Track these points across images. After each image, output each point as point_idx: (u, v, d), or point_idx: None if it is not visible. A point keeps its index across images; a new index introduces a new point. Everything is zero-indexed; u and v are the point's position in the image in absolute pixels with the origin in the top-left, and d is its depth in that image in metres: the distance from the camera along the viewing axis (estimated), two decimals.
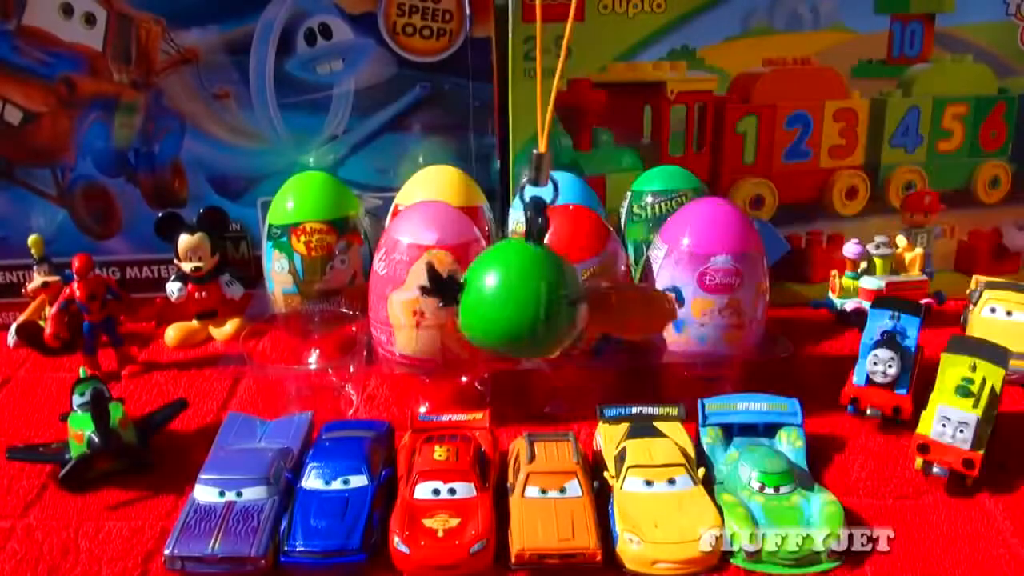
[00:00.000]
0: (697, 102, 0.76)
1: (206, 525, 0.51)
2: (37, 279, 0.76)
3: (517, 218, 0.72)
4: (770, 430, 0.59)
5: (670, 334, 0.63)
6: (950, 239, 0.82)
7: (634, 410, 0.60)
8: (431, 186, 0.72)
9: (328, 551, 0.50)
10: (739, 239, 0.62)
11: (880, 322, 0.64)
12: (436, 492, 0.53)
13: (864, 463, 0.59)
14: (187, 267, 0.75)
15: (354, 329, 0.67)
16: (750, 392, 0.61)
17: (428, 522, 0.51)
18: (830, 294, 0.79)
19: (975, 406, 0.54)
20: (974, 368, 0.57)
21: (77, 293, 0.70)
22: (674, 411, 0.60)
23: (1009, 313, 0.70)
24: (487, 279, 0.48)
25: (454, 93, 0.76)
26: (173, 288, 0.76)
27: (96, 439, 0.57)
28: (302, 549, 0.50)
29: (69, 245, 0.76)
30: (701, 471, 0.55)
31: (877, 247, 0.76)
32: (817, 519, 0.51)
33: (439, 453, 0.55)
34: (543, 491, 0.53)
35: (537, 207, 0.49)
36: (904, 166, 0.80)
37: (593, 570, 0.50)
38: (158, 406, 0.64)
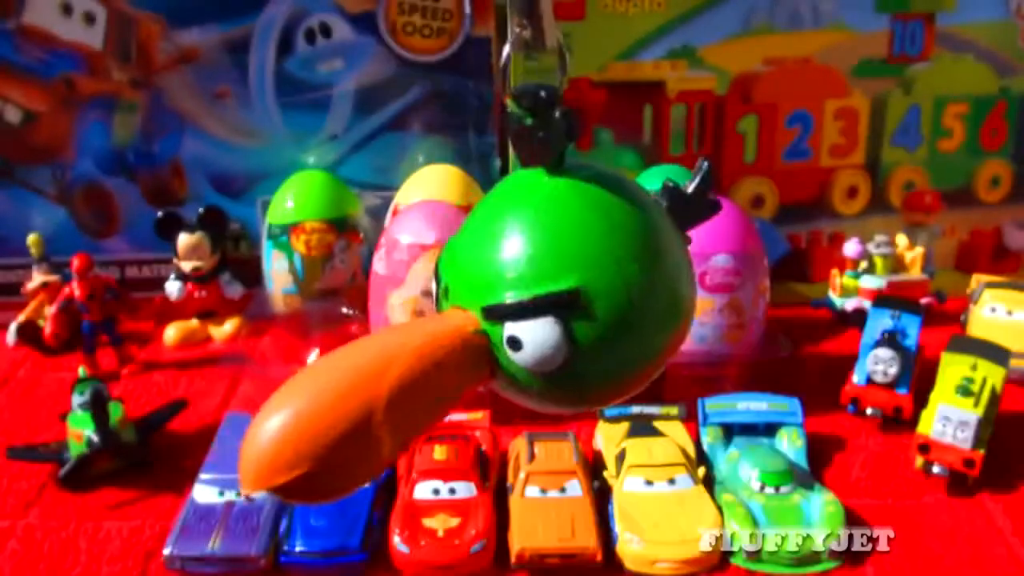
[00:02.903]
0: (697, 101, 0.76)
1: (205, 525, 0.51)
2: (36, 278, 0.76)
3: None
4: (770, 430, 0.59)
5: None
6: (951, 238, 0.82)
7: (634, 410, 0.60)
8: (430, 185, 0.72)
9: (328, 551, 0.50)
10: (739, 238, 0.62)
11: (881, 321, 0.64)
12: (436, 492, 0.53)
13: (864, 463, 0.59)
14: (187, 266, 0.75)
15: (354, 329, 0.67)
16: (750, 392, 0.60)
17: (428, 522, 0.51)
18: (830, 293, 0.79)
19: (976, 405, 0.54)
20: (975, 367, 0.57)
21: (76, 292, 0.70)
22: (674, 411, 0.60)
23: (1010, 312, 0.70)
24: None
25: (454, 92, 0.76)
26: (172, 287, 0.76)
27: (96, 439, 0.57)
28: (302, 549, 0.50)
29: (68, 244, 0.76)
30: (701, 470, 0.55)
31: (878, 246, 0.76)
32: (817, 519, 0.51)
33: (439, 453, 0.55)
34: (543, 491, 0.53)
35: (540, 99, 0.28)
36: (905, 165, 0.79)
37: (593, 570, 0.50)
38: (158, 406, 0.64)
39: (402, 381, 0.26)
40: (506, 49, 0.31)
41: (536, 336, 0.27)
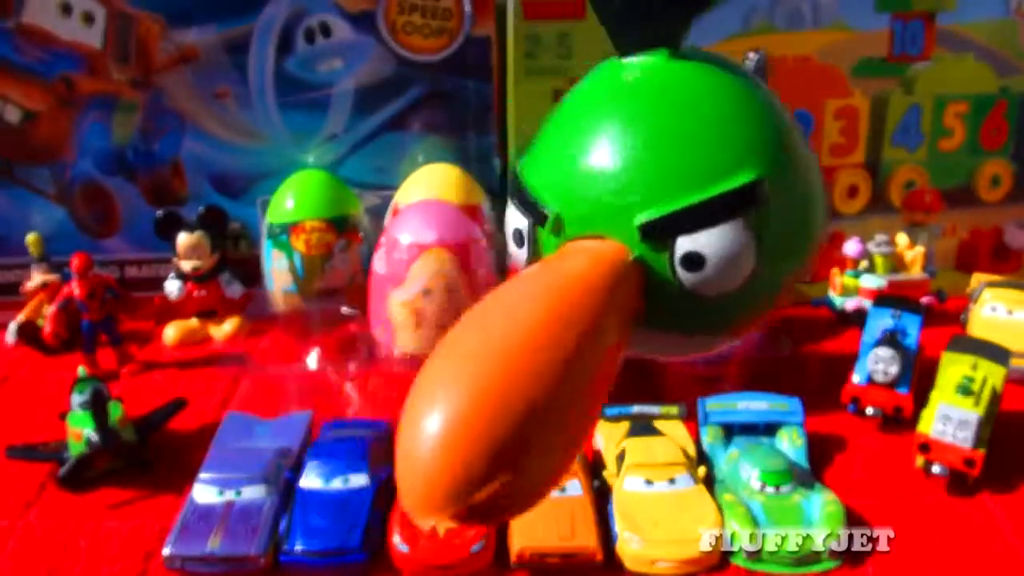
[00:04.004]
0: None
1: (205, 524, 0.51)
2: (36, 278, 0.76)
3: None
4: (771, 429, 0.59)
5: None
6: (951, 238, 0.82)
7: (634, 409, 0.60)
8: (430, 185, 0.72)
9: (328, 550, 0.50)
10: None
11: (881, 321, 0.64)
12: None
13: (864, 463, 0.59)
14: (186, 266, 0.75)
15: (354, 328, 0.67)
16: (750, 391, 0.60)
17: None
18: (830, 293, 0.79)
19: (976, 405, 0.54)
20: (975, 367, 0.57)
21: (76, 292, 0.70)
22: (674, 410, 0.60)
23: (1010, 312, 0.70)
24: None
25: (454, 92, 0.76)
26: (172, 287, 0.76)
27: (95, 438, 0.57)
28: (302, 548, 0.50)
29: (68, 244, 0.76)
30: (702, 470, 0.55)
31: (878, 245, 0.76)
32: (817, 518, 0.51)
33: None
34: None
35: None
36: (905, 165, 0.79)
37: (593, 570, 0.50)
38: (157, 405, 0.64)
39: (580, 339, 0.20)
40: None
41: (722, 246, 0.22)
